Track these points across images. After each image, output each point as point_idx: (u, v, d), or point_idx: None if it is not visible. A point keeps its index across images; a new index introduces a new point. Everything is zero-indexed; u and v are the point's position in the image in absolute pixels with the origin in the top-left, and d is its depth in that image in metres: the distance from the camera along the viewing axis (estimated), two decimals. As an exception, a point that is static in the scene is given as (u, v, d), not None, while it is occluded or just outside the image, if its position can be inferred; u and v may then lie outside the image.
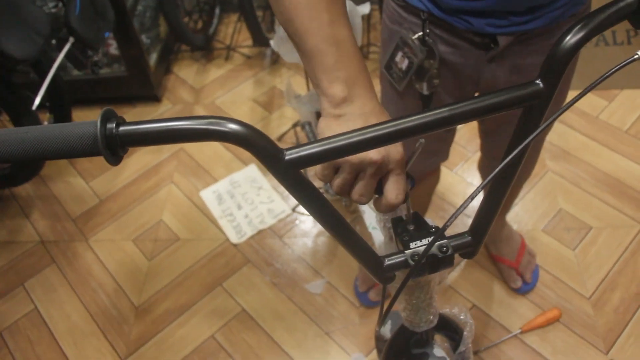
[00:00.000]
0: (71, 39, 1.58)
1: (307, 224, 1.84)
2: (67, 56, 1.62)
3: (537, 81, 0.55)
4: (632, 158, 1.93)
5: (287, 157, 0.52)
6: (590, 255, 1.69)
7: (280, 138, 2.11)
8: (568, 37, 0.53)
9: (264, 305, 1.65)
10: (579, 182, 1.87)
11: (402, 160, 0.60)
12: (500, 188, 0.63)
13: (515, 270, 1.61)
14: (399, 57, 0.96)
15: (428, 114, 0.54)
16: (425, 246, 0.64)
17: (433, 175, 1.42)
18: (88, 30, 1.58)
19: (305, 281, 1.69)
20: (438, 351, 0.89)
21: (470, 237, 0.68)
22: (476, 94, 1.07)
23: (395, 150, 0.59)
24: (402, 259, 0.65)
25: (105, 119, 0.48)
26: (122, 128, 0.49)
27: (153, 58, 2.31)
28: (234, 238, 1.82)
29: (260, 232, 1.83)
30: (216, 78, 2.41)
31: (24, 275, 1.80)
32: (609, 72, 0.52)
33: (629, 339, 1.51)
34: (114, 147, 0.49)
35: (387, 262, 0.65)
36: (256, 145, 0.50)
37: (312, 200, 0.56)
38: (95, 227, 1.91)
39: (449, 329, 0.92)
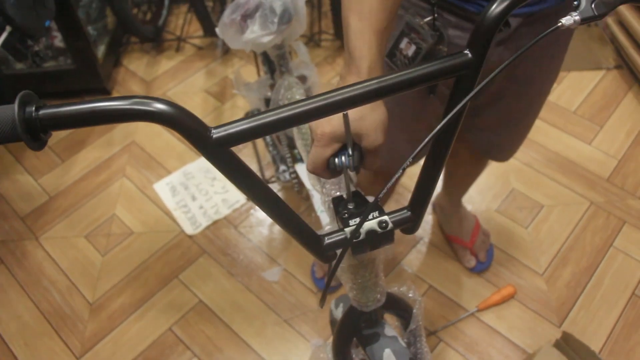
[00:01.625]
0: (8, 28, 1.52)
1: (262, 213, 1.81)
2: (5, 47, 1.56)
3: (466, 51, 0.55)
4: (580, 137, 1.98)
5: (214, 136, 0.51)
6: (542, 233, 1.72)
7: (234, 128, 2.09)
8: (493, 7, 0.53)
9: (221, 296, 1.64)
10: (530, 162, 1.91)
11: (319, 135, 0.63)
12: (436, 161, 0.63)
13: (469, 250, 1.64)
14: (404, 43, 0.94)
15: (357, 87, 0.53)
16: (363, 221, 0.64)
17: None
18: (26, 18, 1.51)
19: (261, 269, 1.68)
20: (389, 330, 0.89)
21: (409, 212, 0.68)
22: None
23: (319, 124, 0.62)
24: (342, 236, 0.65)
25: (24, 102, 0.46)
26: (42, 111, 0.47)
27: (101, 50, 2.25)
28: (189, 229, 1.79)
29: (215, 222, 1.81)
30: (167, 70, 2.37)
31: (-29, 277, 1.75)
32: (533, 42, 0.52)
33: (580, 311, 1.55)
34: (35, 132, 0.47)
35: (326, 240, 0.64)
36: (182, 124, 0.49)
37: (244, 180, 0.55)
38: (45, 224, 1.86)
39: (399, 307, 0.92)
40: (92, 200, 1.91)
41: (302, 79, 1.25)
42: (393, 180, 0.51)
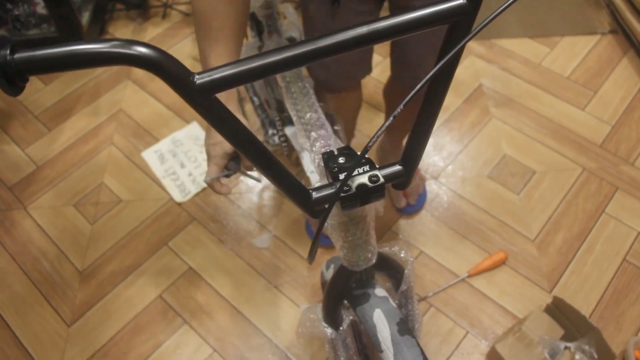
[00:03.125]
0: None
1: (252, 180, 1.80)
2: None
3: None
4: (573, 103, 1.97)
5: (198, 81, 0.49)
6: (534, 199, 1.72)
7: (223, 95, 2.06)
8: None
9: (211, 263, 1.63)
10: (522, 128, 1.89)
11: (212, 156, 0.89)
12: (428, 112, 0.61)
13: (401, 192, 1.65)
14: None
15: (346, 32, 0.51)
16: (355, 175, 0.62)
17: (355, 91, 1.43)
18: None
19: (251, 236, 1.68)
20: (380, 291, 0.89)
21: (401, 167, 0.66)
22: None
23: (211, 148, 0.88)
24: (331, 190, 0.63)
25: None
26: (18, 55, 0.44)
27: (85, 17, 2.19)
28: (178, 197, 1.77)
29: (204, 189, 1.79)
30: (154, 37, 2.32)
31: (-41, 247, 1.73)
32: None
33: (571, 276, 1.56)
34: (11, 76, 0.45)
35: (315, 195, 0.63)
36: (165, 68, 0.47)
37: (231, 129, 0.53)
38: (33, 194, 1.84)
39: (390, 268, 0.91)
40: (80, 169, 1.88)
41: (291, 41, 1.22)
42: (381, 130, 0.49)
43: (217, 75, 0.49)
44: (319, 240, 0.59)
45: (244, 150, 0.55)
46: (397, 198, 1.67)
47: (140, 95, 2.08)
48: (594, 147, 1.83)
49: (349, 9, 1.09)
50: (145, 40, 2.30)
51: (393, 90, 1.49)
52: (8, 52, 0.44)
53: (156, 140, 1.94)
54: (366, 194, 0.62)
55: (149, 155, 1.89)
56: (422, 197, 1.69)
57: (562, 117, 1.92)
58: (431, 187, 1.75)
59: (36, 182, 1.86)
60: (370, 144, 0.50)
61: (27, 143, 1.98)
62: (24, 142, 1.98)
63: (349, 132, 1.57)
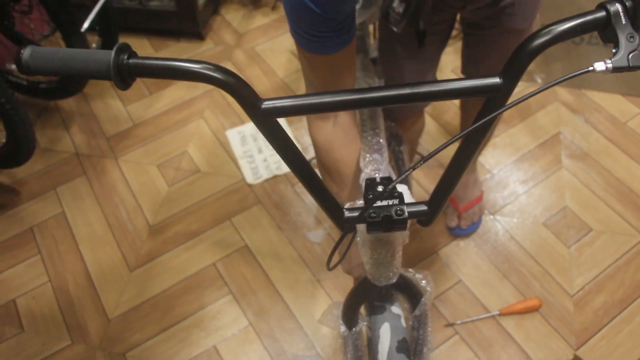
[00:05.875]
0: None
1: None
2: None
3: (497, 78, 0.60)
4: (650, 170, 1.94)
5: (263, 106, 0.61)
6: (584, 256, 1.73)
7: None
8: (532, 40, 0.58)
9: (265, 245, 1.77)
10: (590, 184, 1.90)
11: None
12: (459, 163, 0.70)
13: (458, 213, 1.73)
14: (396, 2, 1.03)
15: (393, 90, 0.61)
16: (384, 206, 0.72)
17: (417, 120, 1.48)
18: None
19: (307, 229, 1.80)
20: (396, 308, 0.98)
21: (425, 207, 0.75)
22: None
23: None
24: (357, 214, 0.73)
25: (119, 50, 0.58)
26: (132, 60, 0.59)
27: (203, -3, 2.38)
28: (250, 178, 1.92)
29: (275, 177, 1.93)
30: (260, 25, 2.47)
31: (57, 181, 1.97)
32: (564, 78, 0.56)
33: (601, 340, 1.56)
34: (124, 75, 0.59)
35: (347, 214, 0.74)
36: (238, 92, 0.60)
37: (284, 148, 0.65)
38: (125, 148, 2.05)
39: (409, 291, 1.00)
40: (169, 134, 2.07)
41: (374, 62, 1.32)
42: (410, 170, 0.59)
43: (280, 104, 0.61)
44: (336, 250, 0.69)
45: (292, 166, 0.67)
46: (451, 217, 1.75)
47: (237, 79, 2.24)
48: (660, 219, 1.81)
49: (429, 45, 1.16)
50: (252, 27, 2.46)
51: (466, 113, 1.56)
52: (126, 57, 0.58)
53: (242, 122, 2.10)
54: (390, 224, 0.72)
55: (233, 135, 2.05)
56: (474, 226, 1.76)
57: (634, 182, 1.90)
58: (485, 221, 1.80)
59: (130, 137, 2.07)
60: (398, 180, 0.61)
61: (129, 101, 2.20)
62: (127, 100, 2.20)
63: (411, 153, 1.65)
